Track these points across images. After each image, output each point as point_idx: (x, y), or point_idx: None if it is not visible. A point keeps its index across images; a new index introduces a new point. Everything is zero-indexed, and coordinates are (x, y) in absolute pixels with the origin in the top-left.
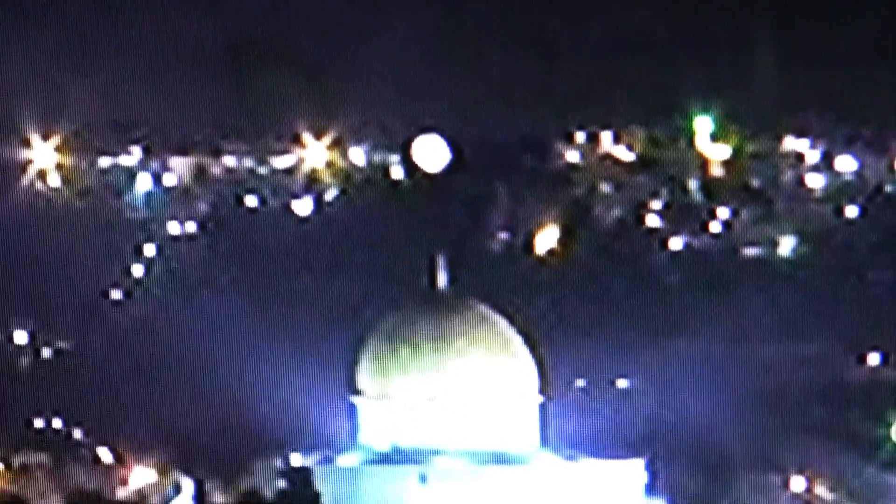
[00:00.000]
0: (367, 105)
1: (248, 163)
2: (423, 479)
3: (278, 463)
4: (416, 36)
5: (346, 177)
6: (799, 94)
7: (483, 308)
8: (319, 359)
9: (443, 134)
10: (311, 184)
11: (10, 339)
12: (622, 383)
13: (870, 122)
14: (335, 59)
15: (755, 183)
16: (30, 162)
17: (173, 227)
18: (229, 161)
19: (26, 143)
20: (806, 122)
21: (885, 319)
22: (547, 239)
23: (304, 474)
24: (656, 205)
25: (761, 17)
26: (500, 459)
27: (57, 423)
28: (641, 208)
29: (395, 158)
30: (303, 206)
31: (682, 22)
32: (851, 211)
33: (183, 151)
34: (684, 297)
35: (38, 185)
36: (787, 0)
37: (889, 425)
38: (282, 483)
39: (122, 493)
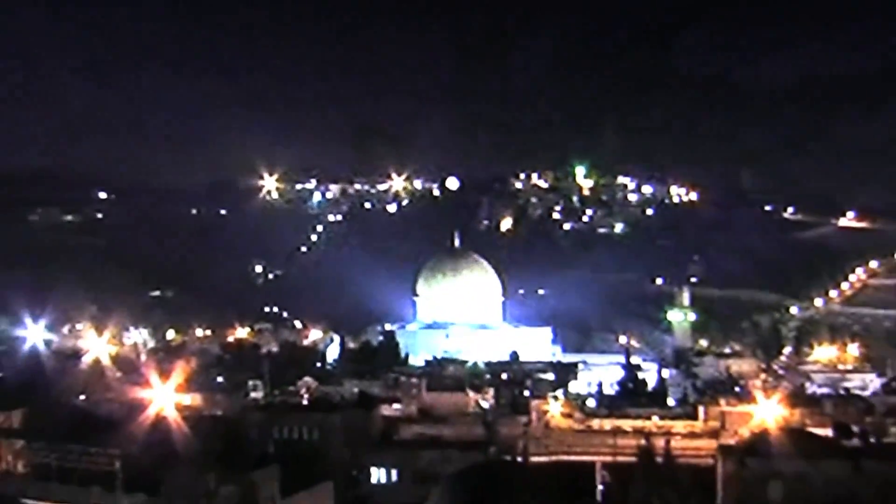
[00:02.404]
0: (422, 158)
1: (366, 186)
2: (447, 335)
3: (378, 327)
4: (443, 119)
5: (412, 194)
6: (623, 155)
7: (476, 256)
8: (401, 280)
9: (455, 174)
10: (395, 197)
11: (254, 269)
12: (541, 291)
13: (659, 169)
14: (408, 130)
15: (604, 198)
16: (262, 186)
17: (331, 217)
18: (357, 185)
19: (260, 176)
20: (628, 168)
21: (665, 264)
22: (506, 223)
23: (391, 334)
24: (557, 208)
25: (608, 115)
26: (482, 326)
27: (275, 309)
28: (551, 209)
29: (435, 185)
30: (391, 208)
31: (574, 117)
32: (649, 211)
33: (335, 181)
34: (571, 252)
35: (267, 197)
36: (621, 106)
37: (665, 312)
38: (380, 338)
39: (305, 342)
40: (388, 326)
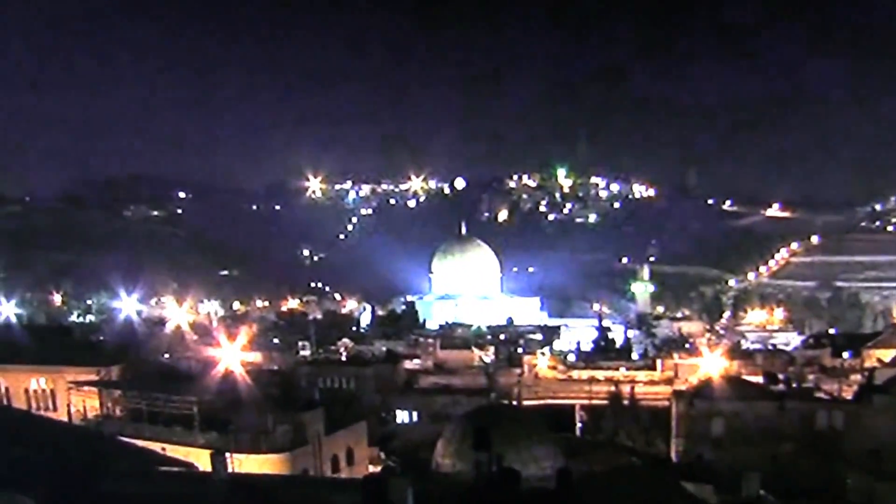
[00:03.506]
0: (436, 163)
1: (391, 186)
2: (456, 305)
3: (401, 298)
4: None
5: (428, 192)
6: (595, 160)
7: (478, 241)
8: (419, 260)
9: (462, 175)
10: (414, 194)
11: (302, 252)
12: (531, 269)
13: (623, 171)
14: (425, 141)
15: (580, 194)
16: (308, 186)
17: (364, 211)
18: (384, 185)
19: (307, 179)
20: (599, 170)
21: (629, 246)
22: (502, 215)
23: (411, 303)
24: (543, 202)
25: (582, 128)
26: (484, 297)
27: (319, 284)
28: (538, 203)
29: (446, 185)
30: (411, 204)
31: (556, 130)
32: (616, 205)
33: (366, 181)
34: (554, 237)
35: (312, 195)
36: (593, 121)
37: (629, 284)
38: (403, 306)
39: (343, 310)
40: (409, 297)
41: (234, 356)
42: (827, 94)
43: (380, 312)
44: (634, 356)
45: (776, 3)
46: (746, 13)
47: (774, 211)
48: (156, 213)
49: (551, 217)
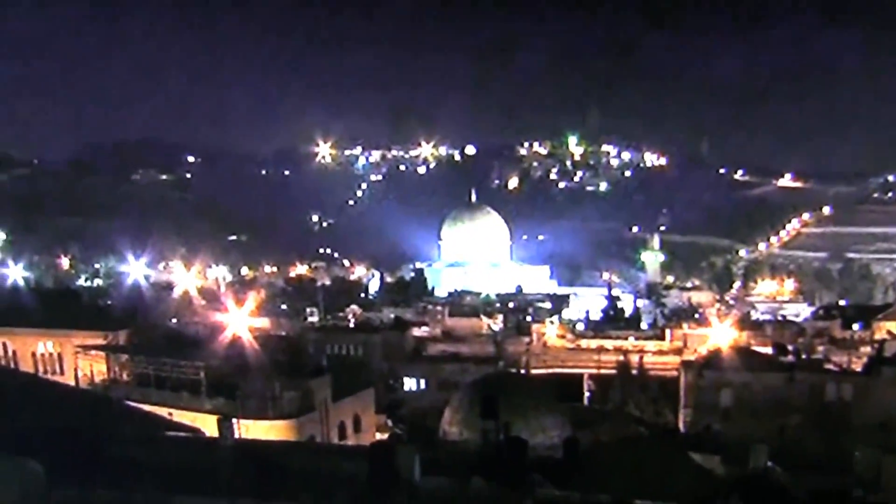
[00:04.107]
0: (446, 130)
1: (401, 152)
2: (465, 272)
3: (410, 265)
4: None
5: (438, 159)
6: (606, 128)
7: (488, 208)
8: (428, 227)
9: (473, 143)
10: (424, 161)
11: (311, 218)
12: (541, 237)
13: (635, 139)
14: (435, 108)
15: (591, 162)
16: (318, 152)
17: (373, 177)
18: (394, 152)
19: (316, 144)
20: (610, 139)
21: (640, 216)
22: (512, 182)
23: (420, 270)
24: (554, 170)
25: (594, 97)
26: (493, 265)
27: (328, 250)
28: (549, 171)
29: (456, 152)
30: (421, 170)
31: (567, 98)
32: (628, 173)
33: (376, 147)
34: (564, 205)
35: (322, 161)
36: (605, 90)
37: (639, 253)
38: (412, 273)
39: (352, 277)
40: (418, 264)
41: (241, 322)
42: (839, 64)
43: (388, 279)
44: (644, 326)
45: None
46: None
47: (786, 181)
48: (164, 177)
49: (562, 185)
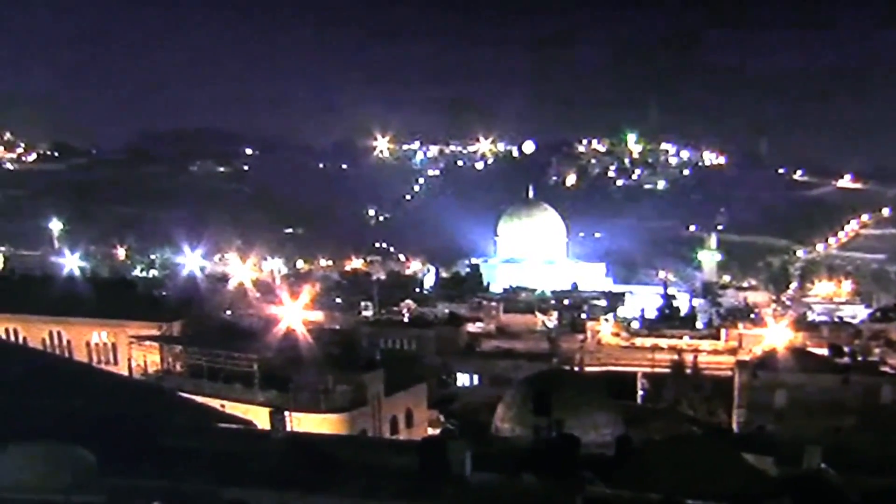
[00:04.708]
0: (505, 126)
1: (459, 147)
2: (520, 268)
3: (466, 261)
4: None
5: (496, 154)
6: (665, 126)
7: (545, 205)
8: (485, 223)
9: (531, 138)
10: (482, 156)
11: (367, 212)
12: (597, 234)
13: (694, 138)
14: (494, 103)
15: (650, 160)
16: (376, 146)
17: (431, 172)
18: (451, 147)
19: (374, 138)
20: (669, 137)
21: (697, 214)
22: (570, 179)
23: (476, 266)
24: (612, 167)
25: (654, 94)
26: (549, 261)
27: (384, 244)
28: (607, 169)
29: (514, 147)
30: (479, 166)
31: (627, 95)
32: (686, 172)
33: (434, 142)
34: (622, 203)
35: (379, 154)
36: (664, 87)
37: (696, 252)
38: (467, 269)
39: (407, 271)
40: (473, 260)
41: (295, 314)
42: None
43: (444, 274)
44: (699, 325)
45: None
46: None
47: (846, 182)
48: (221, 168)
49: (620, 183)
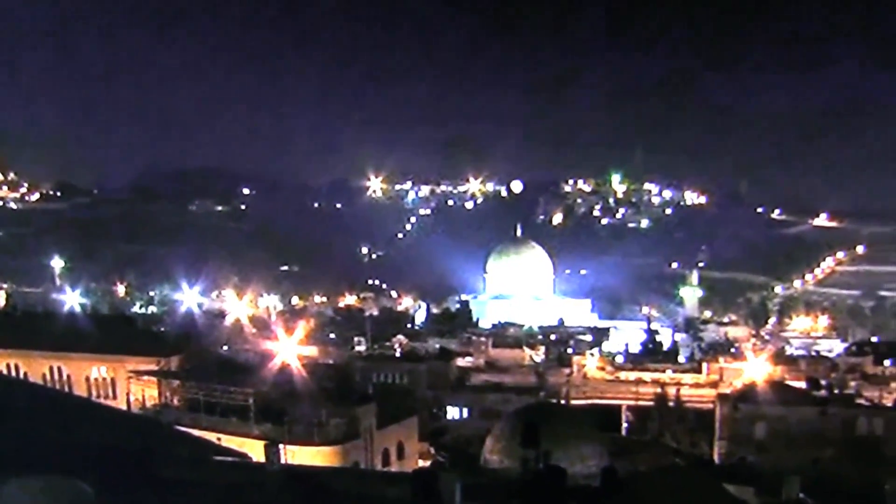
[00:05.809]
0: (494, 166)
1: (449, 187)
2: (509, 304)
3: (456, 297)
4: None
5: (485, 194)
6: (649, 166)
7: (533, 243)
8: (474, 260)
9: (519, 179)
10: (472, 196)
11: (361, 250)
12: (583, 271)
13: (676, 178)
14: (483, 145)
15: (634, 200)
16: (369, 185)
17: (422, 211)
18: (443, 187)
19: (368, 178)
20: (653, 177)
21: (680, 252)
22: (557, 218)
23: (466, 302)
24: (597, 206)
25: (638, 136)
26: (536, 297)
27: (377, 281)
28: (592, 208)
29: (503, 187)
30: (469, 205)
31: (611, 137)
32: (668, 211)
33: (426, 182)
34: (607, 241)
35: (373, 194)
36: (647, 129)
37: (678, 289)
38: (458, 305)
39: (399, 307)
40: (463, 296)
41: (291, 349)
42: (889, 105)
43: (435, 310)
44: (681, 359)
45: (842, 15)
46: (812, 24)
47: (822, 220)
48: (220, 207)
49: (605, 221)
